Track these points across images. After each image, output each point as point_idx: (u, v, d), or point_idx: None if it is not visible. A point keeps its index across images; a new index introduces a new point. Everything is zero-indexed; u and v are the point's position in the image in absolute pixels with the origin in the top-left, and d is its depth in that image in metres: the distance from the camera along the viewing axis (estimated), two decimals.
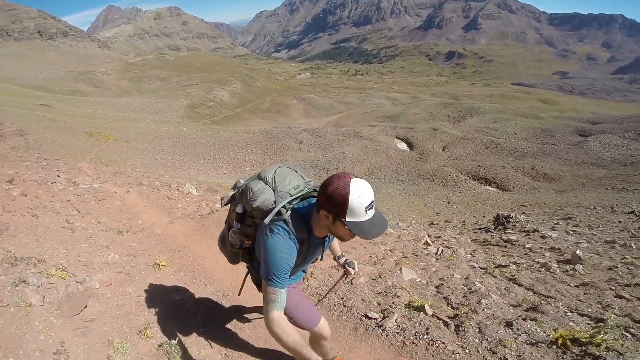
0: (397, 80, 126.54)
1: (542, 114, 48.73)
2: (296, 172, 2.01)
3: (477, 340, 2.89)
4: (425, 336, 2.95)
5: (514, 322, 3.12)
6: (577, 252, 6.12)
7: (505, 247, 8.27)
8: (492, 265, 5.84)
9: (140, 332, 2.67)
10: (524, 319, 3.23)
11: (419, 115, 50.08)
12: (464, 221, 16.09)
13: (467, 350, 2.78)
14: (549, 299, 4.06)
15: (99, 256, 3.91)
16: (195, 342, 2.79)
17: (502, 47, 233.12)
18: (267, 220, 1.75)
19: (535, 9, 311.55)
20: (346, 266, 2.37)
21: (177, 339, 2.66)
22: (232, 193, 2.13)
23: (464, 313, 3.35)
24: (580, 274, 5.46)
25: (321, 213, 1.64)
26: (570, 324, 3.28)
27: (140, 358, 2.45)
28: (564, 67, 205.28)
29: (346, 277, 2.60)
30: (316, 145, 35.69)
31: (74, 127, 33.43)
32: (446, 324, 3.16)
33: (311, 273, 4.32)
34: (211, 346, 2.78)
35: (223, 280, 4.09)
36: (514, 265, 5.82)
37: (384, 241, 6.97)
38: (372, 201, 1.58)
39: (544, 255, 6.97)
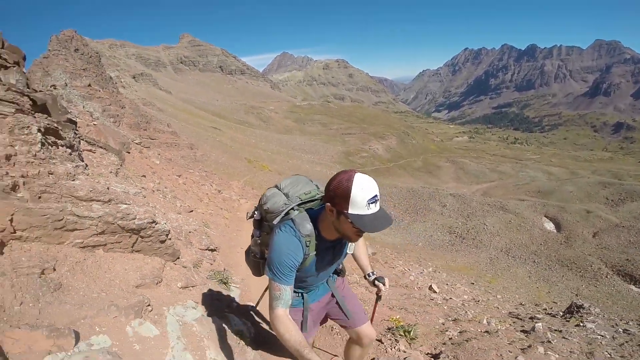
0: (558, 153, 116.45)
1: None
2: (311, 181, 2.22)
3: None
4: None
5: None
6: (538, 324, 5.78)
7: (523, 321, 8.11)
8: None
9: (205, 224, 6.86)
10: None
11: (574, 194, 46.86)
12: (550, 307, 15.98)
13: None
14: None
15: (204, 206, 8.63)
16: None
17: None
18: (276, 221, 2.02)
19: None
20: (376, 282, 2.42)
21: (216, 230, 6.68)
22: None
23: None
24: (494, 329, 5.46)
25: (327, 207, 1.80)
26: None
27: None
28: None
29: (379, 296, 2.57)
30: (459, 211, 36.80)
31: (236, 152, 42.16)
32: None
33: None
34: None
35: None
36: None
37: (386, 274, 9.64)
38: (376, 195, 1.70)
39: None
